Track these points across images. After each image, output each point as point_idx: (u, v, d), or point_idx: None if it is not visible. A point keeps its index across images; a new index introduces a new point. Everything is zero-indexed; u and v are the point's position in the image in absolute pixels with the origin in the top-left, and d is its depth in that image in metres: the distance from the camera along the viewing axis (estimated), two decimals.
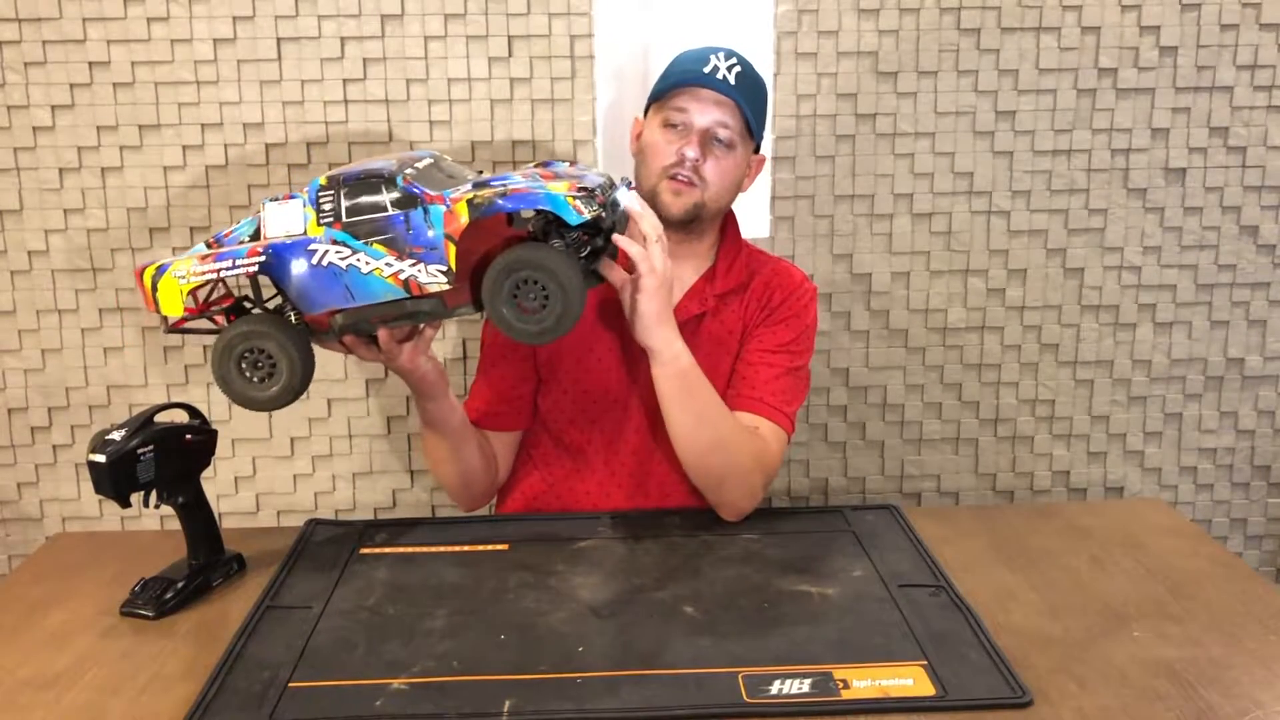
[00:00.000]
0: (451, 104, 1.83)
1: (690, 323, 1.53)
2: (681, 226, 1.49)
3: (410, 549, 1.40)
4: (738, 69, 1.47)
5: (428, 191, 1.21)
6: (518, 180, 1.24)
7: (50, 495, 1.95)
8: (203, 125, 1.82)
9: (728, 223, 1.59)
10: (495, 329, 1.48)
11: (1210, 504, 2.06)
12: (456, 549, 1.40)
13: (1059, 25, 1.84)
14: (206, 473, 1.34)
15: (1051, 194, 1.91)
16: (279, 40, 1.79)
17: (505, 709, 1.04)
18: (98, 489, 1.22)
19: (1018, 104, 1.87)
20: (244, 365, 1.25)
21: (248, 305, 1.32)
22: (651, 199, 1.49)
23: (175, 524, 1.34)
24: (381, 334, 1.29)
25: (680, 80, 1.46)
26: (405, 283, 1.22)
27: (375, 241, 1.21)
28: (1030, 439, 2.01)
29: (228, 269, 1.23)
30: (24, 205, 1.84)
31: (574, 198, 1.19)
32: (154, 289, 1.24)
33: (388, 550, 1.39)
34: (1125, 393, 2.00)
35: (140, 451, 1.24)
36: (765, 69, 1.83)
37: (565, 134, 1.84)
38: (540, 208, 1.19)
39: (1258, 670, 1.11)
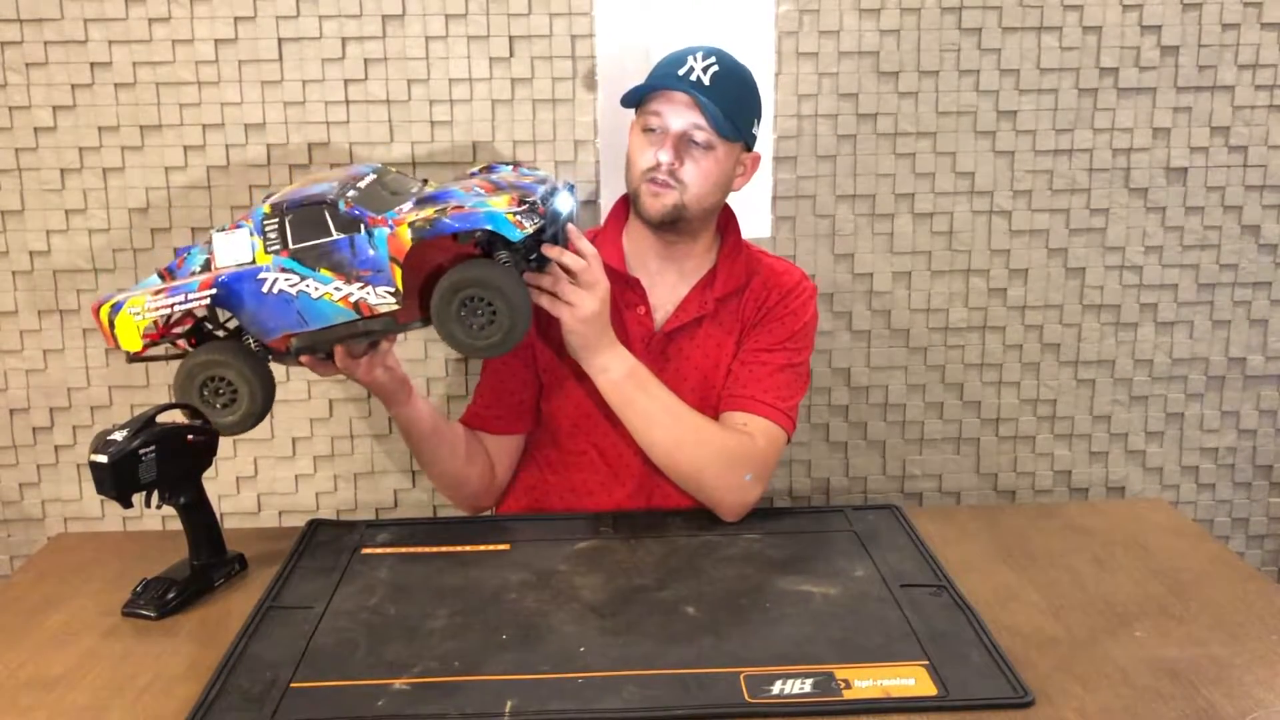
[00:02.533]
0: (452, 104, 1.83)
1: (689, 326, 1.53)
2: (667, 228, 1.50)
3: (412, 549, 1.40)
4: (715, 69, 1.46)
5: (370, 215, 1.23)
6: (459, 195, 1.26)
7: (52, 495, 1.95)
8: (204, 126, 1.82)
9: (727, 224, 1.59)
10: None
11: (1212, 503, 2.05)
12: (458, 549, 1.40)
13: (1060, 25, 1.84)
14: (208, 473, 1.34)
15: (1053, 194, 1.91)
16: (280, 41, 1.79)
17: (507, 709, 1.04)
18: (99, 489, 1.23)
19: (1019, 104, 1.87)
20: (205, 392, 1.28)
21: (208, 327, 1.34)
22: (634, 202, 1.50)
23: (177, 524, 1.34)
24: (338, 353, 1.32)
25: (654, 84, 1.46)
26: (355, 305, 1.25)
27: (323, 267, 1.23)
28: (1032, 439, 2.01)
29: (180, 304, 1.25)
30: (25, 206, 1.84)
31: (515, 214, 1.21)
32: (111, 325, 1.27)
33: (389, 550, 1.39)
34: (1127, 392, 2.00)
35: (142, 452, 1.24)
36: (766, 69, 1.83)
37: (566, 134, 1.84)
38: (476, 228, 1.21)
39: (1260, 670, 1.11)
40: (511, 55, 1.82)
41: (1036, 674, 1.09)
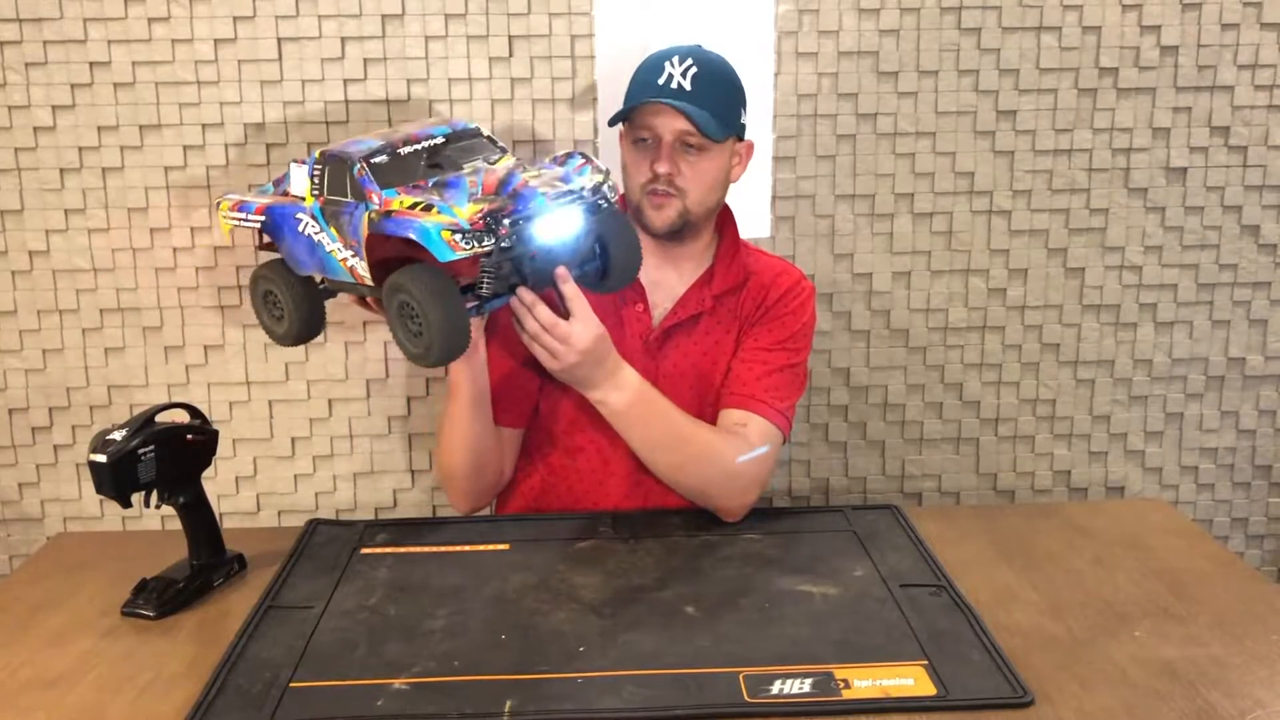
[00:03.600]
0: (452, 104, 1.83)
1: (687, 323, 1.53)
2: (671, 236, 1.50)
3: (411, 549, 1.40)
4: (694, 70, 1.45)
5: (370, 188, 1.23)
6: (455, 192, 1.23)
7: (51, 495, 1.95)
8: (203, 125, 1.82)
9: (725, 222, 1.59)
10: (498, 320, 1.49)
11: (1211, 504, 2.06)
12: (457, 549, 1.40)
13: (1059, 25, 1.84)
14: (207, 473, 1.34)
15: (1052, 193, 1.91)
16: (279, 40, 1.79)
17: (506, 709, 1.04)
18: (99, 489, 1.23)
19: (1018, 103, 1.87)
20: (265, 300, 1.37)
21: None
22: (636, 215, 1.50)
23: (176, 524, 1.34)
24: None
25: (638, 98, 1.46)
26: (350, 269, 1.27)
27: (334, 225, 1.26)
28: (1031, 439, 2.01)
29: (241, 220, 1.35)
30: (25, 205, 1.84)
31: (452, 232, 1.15)
32: (217, 209, 1.39)
33: (389, 550, 1.39)
34: (1126, 392, 2.00)
35: (141, 451, 1.24)
36: (765, 69, 1.83)
37: (565, 134, 1.85)
38: (409, 237, 1.18)
39: (1259, 669, 1.11)
40: (511, 55, 1.82)
41: (1036, 674, 1.09)
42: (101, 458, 1.21)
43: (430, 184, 1.25)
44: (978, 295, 1.95)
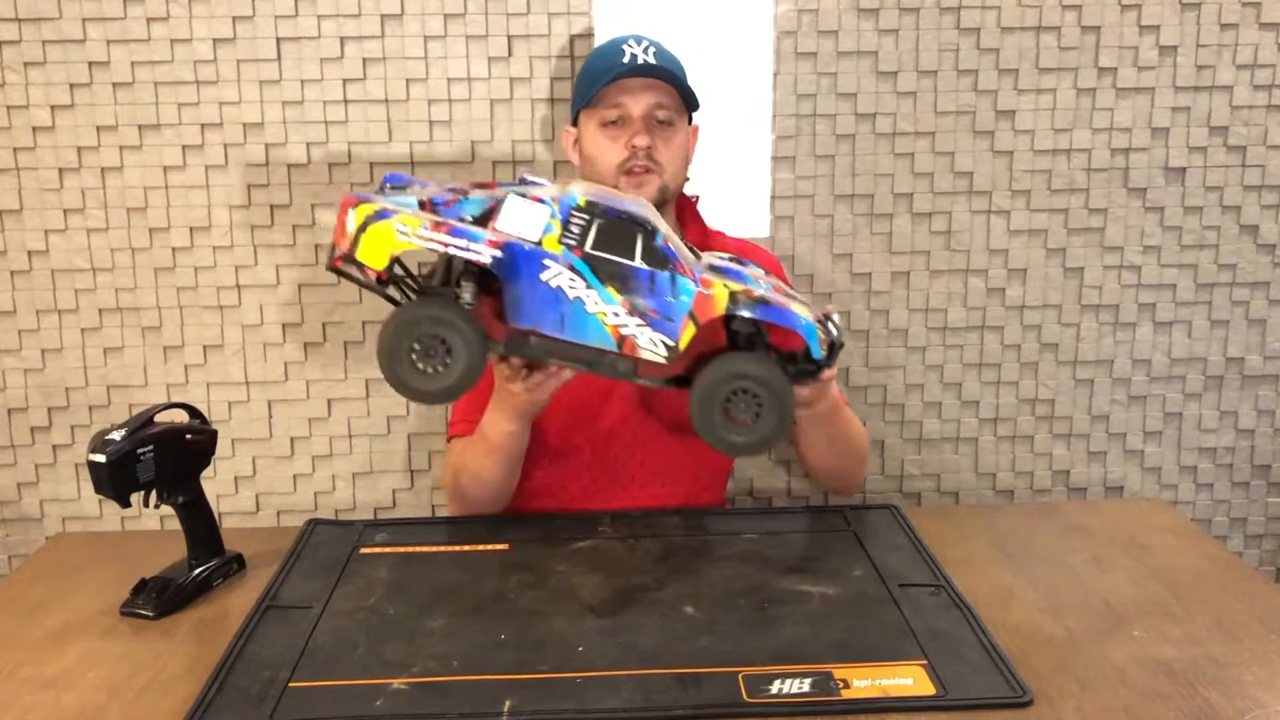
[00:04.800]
0: (451, 104, 1.83)
1: None
2: None
3: (410, 549, 1.40)
4: (653, 49, 1.48)
5: (680, 261, 1.16)
6: (751, 281, 1.20)
7: (50, 495, 1.95)
8: (202, 125, 1.82)
9: (684, 206, 1.60)
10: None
11: (1210, 503, 2.06)
12: (456, 549, 1.40)
13: (1059, 25, 1.84)
14: (206, 472, 1.34)
15: (1051, 193, 1.91)
16: (279, 40, 1.79)
17: (505, 709, 1.04)
18: (98, 489, 1.22)
19: (1018, 103, 1.87)
20: (417, 347, 1.15)
21: (426, 283, 1.23)
22: None
23: (175, 524, 1.34)
24: (550, 369, 1.29)
25: (604, 78, 1.46)
26: (622, 338, 1.16)
27: (612, 286, 1.15)
28: (1030, 438, 2.01)
29: (461, 248, 1.12)
30: (24, 205, 1.84)
31: (822, 331, 1.19)
32: (360, 228, 1.11)
33: (388, 550, 1.39)
34: (1125, 392, 2.00)
35: (140, 451, 1.24)
36: (765, 69, 1.83)
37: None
38: (791, 328, 1.17)
39: (1258, 669, 1.11)
40: (510, 55, 1.82)
41: (1035, 673, 1.09)
42: (101, 458, 1.21)
43: (716, 266, 1.22)
44: (977, 295, 1.95)
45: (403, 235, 1.11)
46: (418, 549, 1.40)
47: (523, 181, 1.29)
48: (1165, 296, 1.96)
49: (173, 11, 1.77)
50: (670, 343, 1.16)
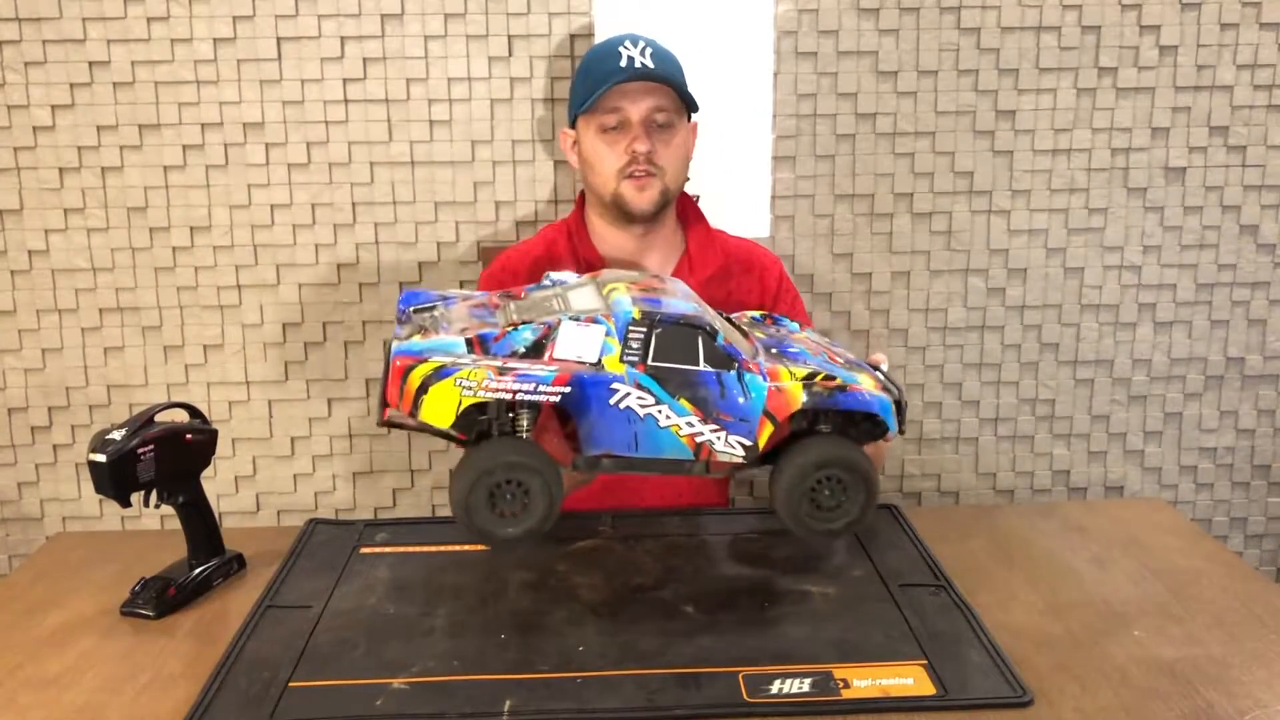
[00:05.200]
0: (451, 103, 1.83)
1: None
2: (652, 218, 1.50)
3: (410, 548, 1.40)
4: (650, 50, 1.47)
5: (745, 357, 1.14)
6: (811, 358, 1.18)
7: (50, 495, 1.95)
8: (203, 125, 1.82)
9: (690, 207, 1.60)
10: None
11: (1210, 503, 2.06)
12: (456, 548, 1.40)
13: (1059, 25, 1.84)
14: (207, 472, 1.34)
15: (1051, 193, 1.91)
16: (279, 40, 1.79)
17: (505, 709, 1.04)
18: (98, 489, 1.22)
19: (1018, 103, 1.87)
20: (499, 494, 1.10)
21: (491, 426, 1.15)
22: (615, 203, 1.50)
23: (175, 524, 1.34)
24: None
25: (602, 82, 1.46)
26: (698, 446, 1.13)
27: (683, 396, 1.11)
28: (1030, 438, 2.01)
29: (529, 392, 1.08)
30: (24, 205, 1.84)
31: (894, 403, 1.17)
32: (420, 389, 1.07)
33: (388, 550, 1.39)
34: (1125, 392, 2.00)
35: (140, 451, 1.24)
36: (765, 68, 1.83)
37: None
38: (868, 410, 1.15)
39: (1258, 669, 1.11)
40: (510, 54, 1.82)
41: (1035, 673, 1.09)
42: (101, 457, 1.21)
43: (774, 348, 1.20)
44: (977, 295, 1.95)
45: (468, 390, 1.07)
46: (418, 549, 1.40)
47: (551, 282, 1.27)
48: (1165, 296, 1.96)
49: (173, 11, 1.77)
50: (748, 443, 1.13)
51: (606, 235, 1.55)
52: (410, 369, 1.07)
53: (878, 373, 1.23)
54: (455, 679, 1.09)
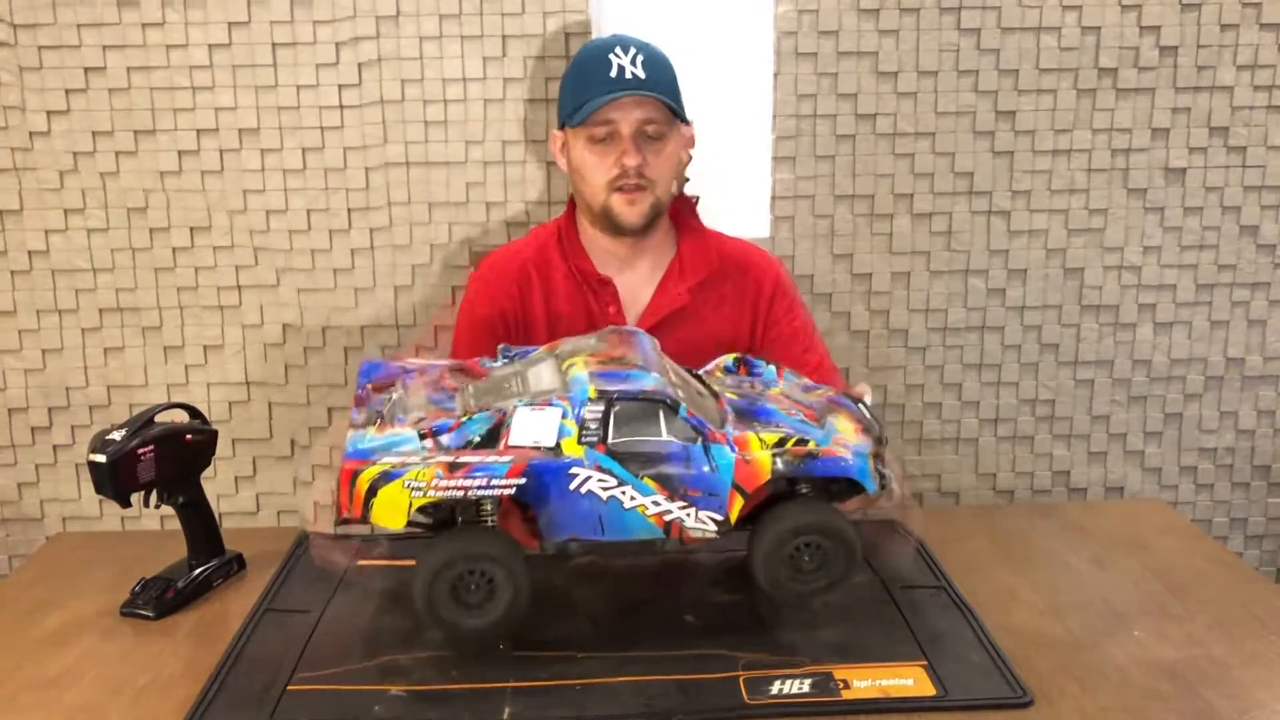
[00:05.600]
0: (446, 104, 1.83)
1: (670, 319, 1.52)
2: (641, 231, 1.50)
3: (409, 562, 1.39)
4: (641, 56, 1.45)
5: (710, 428, 1.10)
6: (782, 417, 1.15)
7: (50, 495, 1.95)
8: (198, 131, 1.81)
9: (680, 208, 1.59)
10: (468, 323, 1.49)
11: (1210, 504, 2.05)
12: None
13: (1059, 25, 1.84)
14: (207, 473, 1.34)
15: (1051, 194, 1.91)
16: (274, 46, 1.79)
17: (505, 716, 1.04)
18: (98, 489, 1.22)
19: (1018, 104, 1.87)
20: (462, 587, 1.09)
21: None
22: (604, 214, 1.49)
23: (175, 524, 1.34)
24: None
25: (592, 93, 1.44)
26: (668, 525, 1.09)
27: (646, 475, 1.08)
28: (1030, 439, 2.01)
29: (481, 487, 1.06)
30: (24, 205, 1.84)
31: (871, 462, 1.13)
32: (369, 493, 1.05)
33: (385, 563, 1.39)
34: (1125, 393, 2.00)
35: (141, 452, 1.24)
36: (765, 69, 1.83)
37: None
38: (843, 475, 1.12)
39: (1258, 669, 1.11)
40: (505, 55, 1.81)
41: (1035, 674, 1.09)
42: (101, 458, 1.21)
43: (743, 410, 1.17)
44: (977, 295, 1.94)
45: (418, 492, 1.05)
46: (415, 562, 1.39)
47: (507, 357, 1.25)
48: (1165, 297, 1.96)
49: (168, 17, 1.77)
50: (719, 518, 1.10)
51: (596, 240, 1.55)
52: (358, 473, 1.05)
53: (860, 406, 1.20)
54: (453, 687, 1.09)
